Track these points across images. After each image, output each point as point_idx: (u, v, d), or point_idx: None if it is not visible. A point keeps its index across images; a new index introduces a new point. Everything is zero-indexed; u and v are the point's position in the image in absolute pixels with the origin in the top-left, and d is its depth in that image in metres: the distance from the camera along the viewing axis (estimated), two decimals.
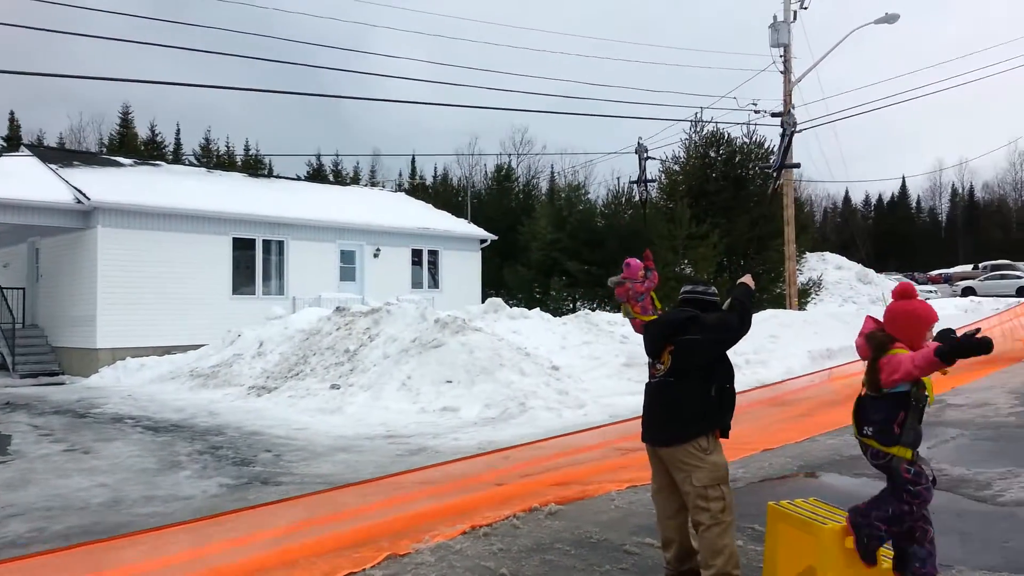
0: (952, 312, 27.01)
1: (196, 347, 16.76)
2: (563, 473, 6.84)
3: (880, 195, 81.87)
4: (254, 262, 19.98)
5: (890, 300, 3.70)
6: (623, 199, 27.39)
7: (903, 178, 79.17)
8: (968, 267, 52.97)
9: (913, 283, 3.65)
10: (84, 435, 9.71)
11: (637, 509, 5.85)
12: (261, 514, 5.61)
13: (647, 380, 4.27)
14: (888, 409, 3.46)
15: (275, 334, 15.16)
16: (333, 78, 63.22)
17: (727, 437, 4.05)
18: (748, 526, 5.01)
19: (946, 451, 7.48)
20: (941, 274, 51.27)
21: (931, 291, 41.03)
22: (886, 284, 37.10)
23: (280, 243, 20.53)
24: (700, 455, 3.89)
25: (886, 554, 3.92)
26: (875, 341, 3.53)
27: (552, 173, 56.62)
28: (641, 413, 4.26)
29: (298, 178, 38.76)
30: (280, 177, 32.98)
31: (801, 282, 25.90)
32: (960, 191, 79.34)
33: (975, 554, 4.50)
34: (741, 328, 4.01)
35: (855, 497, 5.89)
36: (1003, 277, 40.32)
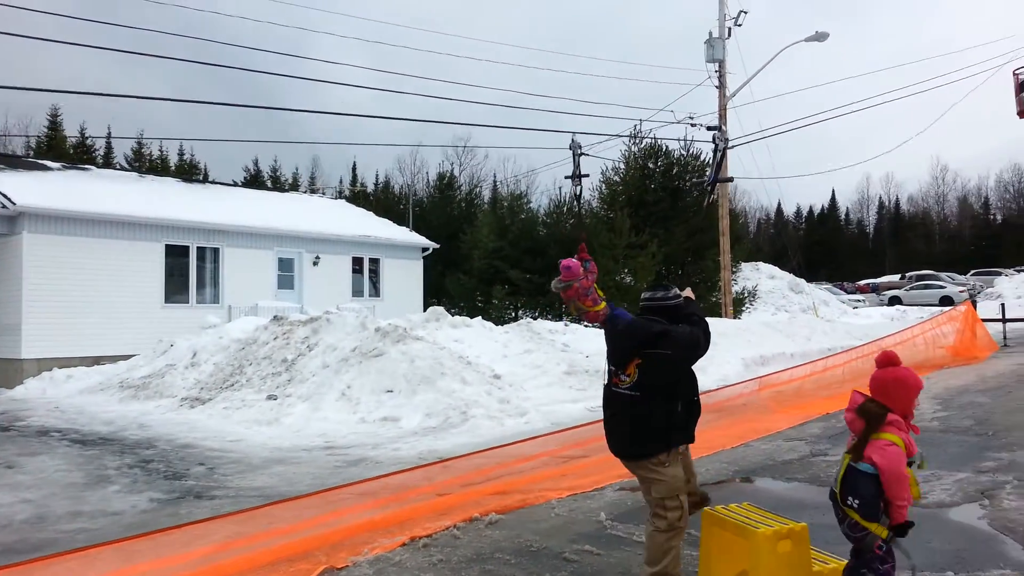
0: (879, 320, 28.06)
1: (127, 357, 16.24)
2: (504, 482, 6.84)
3: (811, 207, 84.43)
4: (188, 270, 19.49)
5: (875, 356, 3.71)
6: (564, 208, 27.63)
7: (832, 190, 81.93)
8: (895, 277, 54.95)
9: (895, 352, 3.67)
10: (7, 449, 9.30)
11: (577, 517, 5.89)
12: (193, 529, 5.46)
13: (606, 385, 4.21)
14: (878, 486, 3.49)
15: (209, 344, 14.80)
16: (273, 82, 62.34)
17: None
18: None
19: None
20: (869, 284, 53.05)
21: (859, 300, 42.46)
22: (816, 294, 38.23)
23: (215, 250, 20.08)
24: (659, 469, 3.96)
25: (819, 558, 4.03)
26: (868, 414, 3.53)
27: (495, 182, 56.78)
28: (599, 420, 4.28)
29: (234, 184, 37.94)
30: (215, 183, 32.24)
31: (736, 291, 26.49)
32: (887, 204, 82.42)
33: (901, 555, 4.65)
34: (706, 345, 4.08)
35: (788, 501, 6.06)
36: (927, 287, 41.99)
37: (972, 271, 51.66)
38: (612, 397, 4.14)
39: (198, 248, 19.66)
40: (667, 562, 3.91)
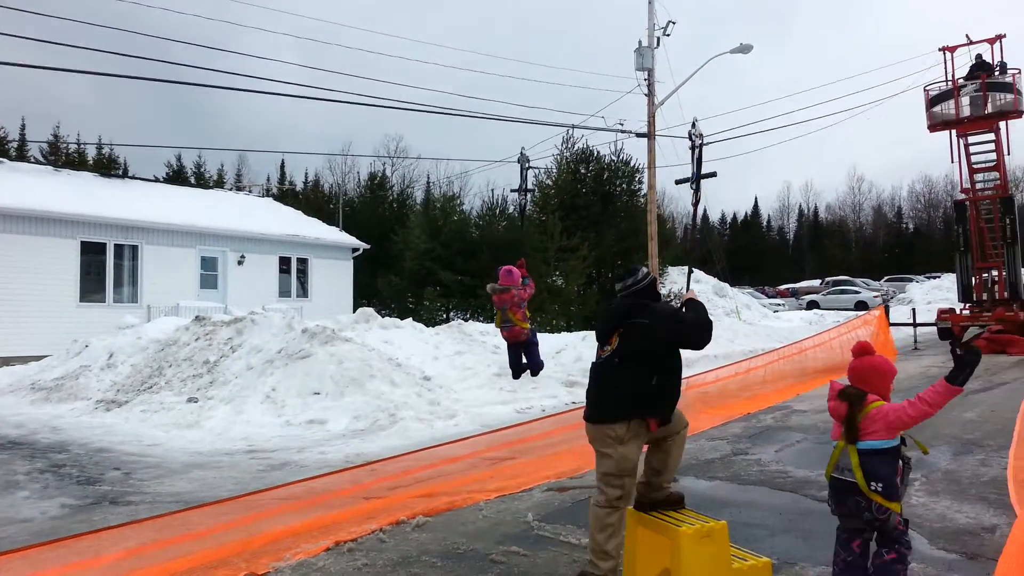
0: (798, 324, 29.01)
1: (39, 358, 15.52)
2: (431, 485, 6.81)
3: (735, 214, 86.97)
4: (104, 268, 18.80)
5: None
6: (497, 210, 27.70)
7: (755, 198, 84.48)
8: (814, 282, 56.94)
9: (869, 343, 3.88)
10: None
11: (505, 518, 5.90)
12: (107, 536, 5.25)
13: (593, 363, 4.35)
14: (891, 463, 3.69)
15: (127, 344, 14.27)
16: (199, 78, 60.66)
17: (668, 423, 4.18)
18: None
19: (791, 454, 8.00)
20: (789, 288, 54.83)
21: (780, 304, 43.85)
22: (739, 297, 39.30)
23: (134, 248, 19.41)
24: (612, 443, 4.01)
25: (739, 555, 4.12)
26: (850, 397, 3.72)
27: (428, 183, 56.42)
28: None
29: (156, 179, 36.77)
30: (136, 178, 31.17)
31: (664, 294, 27.00)
32: (806, 212, 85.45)
33: (817, 551, 4.82)
34: (695, 327, 4.19)
35: (710, 500, 6.20)
36: (843, 292, 43.72)
37: (886, 277, 53.98)
38: (593, 369, 4.30)
39: (116, 245, 18.99)
40: (603, 537, 3.98)
